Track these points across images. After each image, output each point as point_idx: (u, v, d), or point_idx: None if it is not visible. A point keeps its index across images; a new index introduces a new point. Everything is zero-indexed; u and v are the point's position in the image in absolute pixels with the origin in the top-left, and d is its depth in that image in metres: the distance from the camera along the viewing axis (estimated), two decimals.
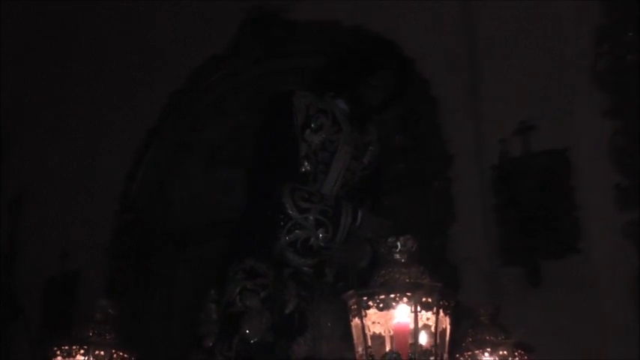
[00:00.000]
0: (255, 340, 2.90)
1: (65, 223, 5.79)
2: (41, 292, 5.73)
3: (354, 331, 2.23)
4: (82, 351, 2.85)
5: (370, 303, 2.18)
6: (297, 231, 3.06)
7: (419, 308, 2.15)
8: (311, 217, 3.05)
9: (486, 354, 2.81)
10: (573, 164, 4.32)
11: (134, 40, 5.96)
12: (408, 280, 2.21)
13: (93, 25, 6.19)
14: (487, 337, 2.83)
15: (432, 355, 2.16)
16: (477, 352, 2.78)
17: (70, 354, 2.85)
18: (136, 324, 5.29)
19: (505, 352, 2.82)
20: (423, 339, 2.16)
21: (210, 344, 3.06)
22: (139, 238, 5.61)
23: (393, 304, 2.16)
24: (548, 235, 4.25)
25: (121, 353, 2.92)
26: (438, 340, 2.18)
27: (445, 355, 2.22)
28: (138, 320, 5.32)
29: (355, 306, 2.22)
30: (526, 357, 2.86)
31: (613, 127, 4.26)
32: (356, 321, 2.21)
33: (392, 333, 2.16)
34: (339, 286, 3.09)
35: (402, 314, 2.16)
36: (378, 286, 2.22)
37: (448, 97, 4.57)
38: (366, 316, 2.18)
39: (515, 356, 2.83)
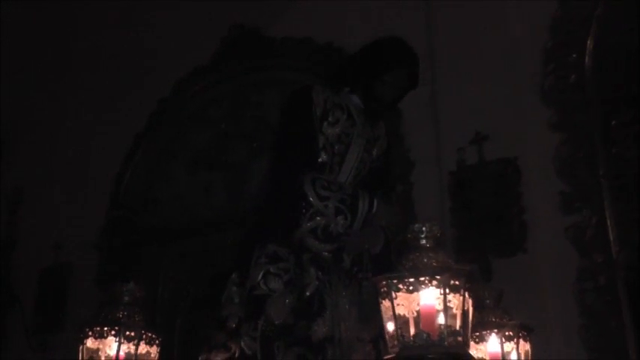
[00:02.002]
0: (279, 321, 2.87)
1: (59, 218, 5.79)
2: (35, 281, 5.71)
3: (383, 312, 2.23)
4: (113, 332, 2.83)
5: (400, 286, 2.18)
6: (317, 218, 2.96)
7: (447, 290, 2.15)
8: (331, 205, 2.97)
9: (493, 335, 2.86)
10: (522, 172, 4.39)
11: (125, 52, 5.96)
12: (435, 264, 2.21)
13: (88, 37, 6.14)
14: (492, 319, 2.88)
15: (459, 335, 2.16)
16: (483, 332, 2.83)
17: (102, 335, 2.83)
18: None
19: (510, 333, 2.87)
20: (448, 320, 2.16)
21: (234, 325, 3.00)
22: (126, 234, 5.64)
23: (423, 286, 2.16)
24: (499, 235, 4.31)
25: (149, 334, 2.93)
26: (463, 321, 2.19)
27: (469, 334, 2.23)
28: None
29: (386, 288, 2.21)
30: (528, 337, 2.90)
31: (558, 139, 4.37)
32: (386, 302, 2.21)
33: (415, 314, 2.16)
34: (354, 270, 3.07)
35: (428, 296, 2.16)
36: (407, 270, 2.21)
37: (411, 109, 4.60)
38: (396, 298, 2.17)
39: (519, 337, 2.87)
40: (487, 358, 2.85)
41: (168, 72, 5.73)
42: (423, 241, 2.29)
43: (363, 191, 3.09)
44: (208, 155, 5.67)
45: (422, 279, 2.16)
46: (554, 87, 4.45)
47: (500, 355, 2.85)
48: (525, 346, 2.90)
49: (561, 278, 4.10)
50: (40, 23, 6.17)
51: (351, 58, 3.43)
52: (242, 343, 2.90)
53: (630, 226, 4.12)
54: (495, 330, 2.86)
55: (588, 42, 4.44)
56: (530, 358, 2.92)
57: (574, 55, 4.45)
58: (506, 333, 2.87)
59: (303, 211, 2.97)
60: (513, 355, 2.87)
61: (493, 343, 2.85)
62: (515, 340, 2.87)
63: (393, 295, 2.18)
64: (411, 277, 2.17)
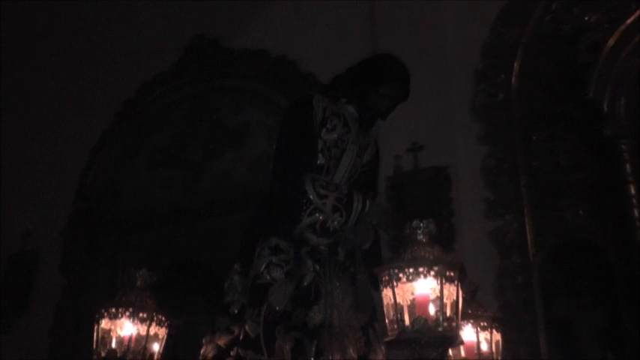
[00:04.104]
0: (280, 307, 2.93)
1: (27, 209, 5.80)
2: (3, 267, 5.69)
3: (384, 300, 2.31)
4: (127, 313, 2.89)
5: (401, 275, 2.25)
6: (316, 214, 3.03)
7: (443, 280, 2.23)
8: (329, 203, 3.04)
9: (469, 325, 2.93)
10: (453, 180, 4.52)
11: (94, 55, 6.07)
12: (432, 257, 2.28)
13: (61, 37, 6.22)
14: (469, 311, 2.95)
15: (452, 321, 2.25)
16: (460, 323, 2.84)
17: (116, 316, 2.89)
18: (83, 296, 5.35)
19: (485, 324, 2.97)
20: (442, 307, 2.23)
21: (236, 311, 3.05)
22: (90, 224, 5.68)
23: (421, 276, 2.24)
24: None
25: (160, 316, 2.97)
26: (455, 308, 2.26)
27: (460, 322, 2.31)
28: (85, 292, 5.38)
29: (387, 278, 2.28)
30: (501, 329, 2.99)
31: (485, 152, 4.53)
32: (387, 291, 2.29)
33: (409, 303, 2.24)
34: (347, 263, 3.14)
35: (423, 286, 2.24)
36: (407, 262, 2.28)
37: None
38: (397, 286, 2.25)
39: (492, 327, 2.96)
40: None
41: (134, 75, 5.80)
42: (420, 237, 2.36)
43: (357, 192, 3.17)
44: (168, 153, 5.76)
45: (421, 270, 2.24)
46: (483, 104, 4.60)
47: (475, 343, 2.93)
48: (497, 336, 3.00)
49: (484, 276, 4.13)
50: (12, 18, 6.15)
51: (348, 70, 3.42)
52: (246, 327, 2.95)
53: (546, 232, 4.29)
54: (471, 321, 2.94)
55: (515, 65, 4.58)
56: (500, 346, 3.02)
57: (502, 76, 4.59)
58: (481, 324, 2.95)
59: (304, 207, 3.05)
60: (485, 344, 2.96)
61: (469, 332, 2.92)
62: (488, 330, 2.96)
63: (394, 284, 2.25)
64: (411, 268, 2.25)
